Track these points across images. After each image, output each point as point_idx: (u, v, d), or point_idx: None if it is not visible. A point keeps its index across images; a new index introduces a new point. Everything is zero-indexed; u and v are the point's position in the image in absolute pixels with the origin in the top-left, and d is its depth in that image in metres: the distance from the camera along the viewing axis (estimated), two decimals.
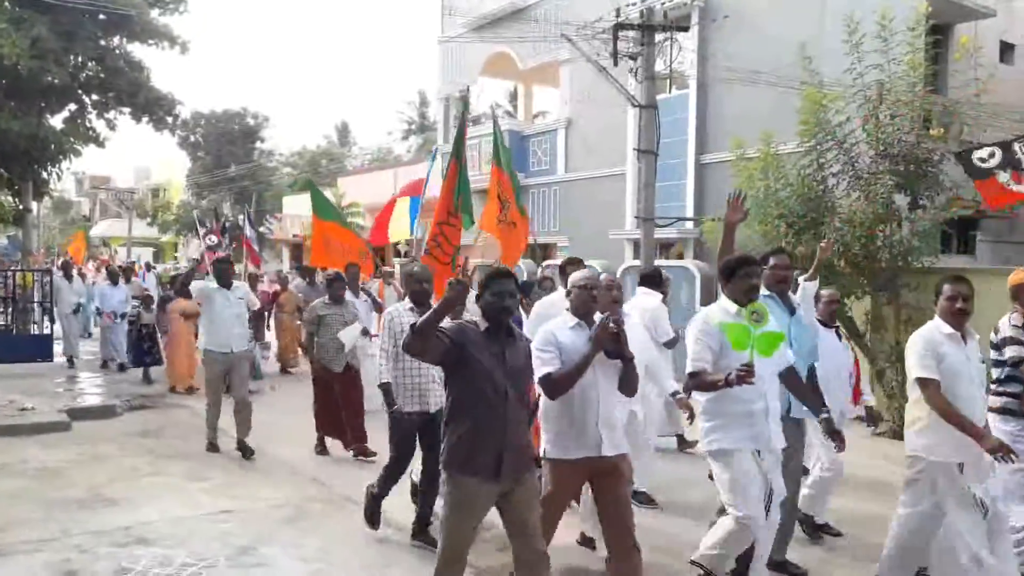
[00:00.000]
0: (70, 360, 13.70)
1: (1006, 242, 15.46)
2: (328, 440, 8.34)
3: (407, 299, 5.91)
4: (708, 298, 13.10)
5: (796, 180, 9.95)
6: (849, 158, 9.83)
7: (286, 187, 42.38)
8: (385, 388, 5.50)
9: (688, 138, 15.32)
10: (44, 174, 18.69)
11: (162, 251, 46.35)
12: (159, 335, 12.45)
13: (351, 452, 8.00)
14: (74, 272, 15.34)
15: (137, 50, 18.64)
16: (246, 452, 7.92)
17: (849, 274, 9.65)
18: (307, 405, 8.47)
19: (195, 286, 8.19)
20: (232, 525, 5.89)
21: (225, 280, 8.03)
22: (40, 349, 12.92)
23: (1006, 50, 16.35)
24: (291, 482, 7.12)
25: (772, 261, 4.99)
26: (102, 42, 17.85)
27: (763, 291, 4.68)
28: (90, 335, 17.22)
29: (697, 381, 4.27)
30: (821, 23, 12.39)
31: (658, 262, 12.66)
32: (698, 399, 4.53)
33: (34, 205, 21.02)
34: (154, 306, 12.60)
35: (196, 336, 10.50)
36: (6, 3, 16.08)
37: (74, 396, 10.62)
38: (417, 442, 5.60)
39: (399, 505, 6.34)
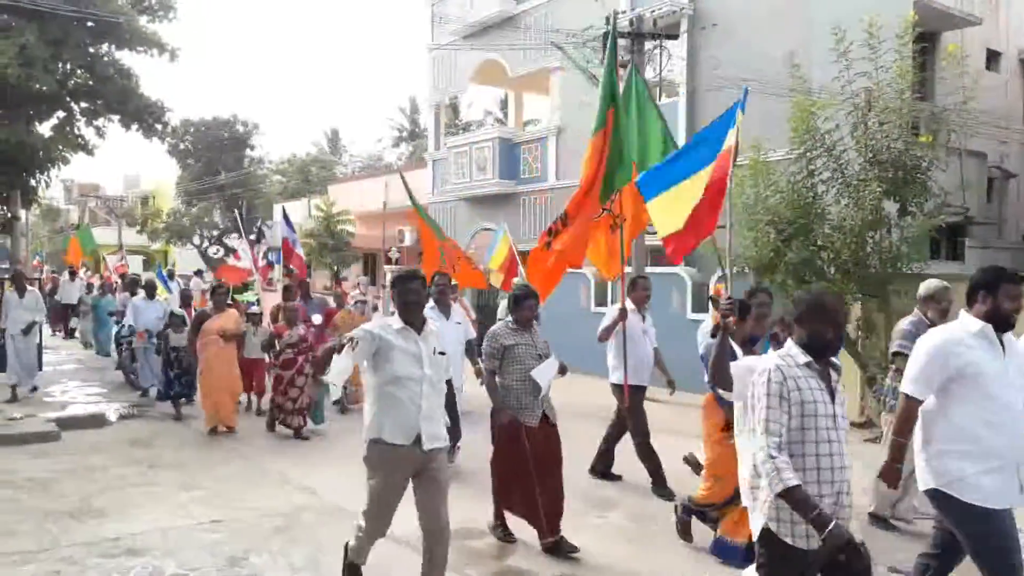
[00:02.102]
0: (13, 391, 10.82)
1: (995, 248, 15.58)
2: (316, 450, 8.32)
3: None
4: (699, 305, 13.24)
5: (786, 187, 10.02)
6: (838, 165, 9.90)
7: (276, 194, 42.31)
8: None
9: (680, 145, 15.34)
10: (32, 182, 18.59)
11: (151, 259, 46.15)
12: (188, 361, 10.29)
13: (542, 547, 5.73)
14: (64, 279, 15.04)
15: (126, 57, 18.58)
16: None
17: (839, 280, 9.70)
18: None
19: (365, 331, 4.39)
20: (222, 535, 5.86)
21: (413, 315, 4.45)
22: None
23: (992, 58, 16.50)
24: (282, 491, 7.09)
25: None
26: (91, 49, 17.78)
27: None
28: (108, 355, 15.01)
29: None
30: (809, 31, 12.46)
31: (649, 269, 12.68)
32: None
33: (23, 213, 20.87)
34: (185, 325, 10.31)
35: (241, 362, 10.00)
36: None
37: (64, 405, 10.54)
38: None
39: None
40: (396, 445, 4.34)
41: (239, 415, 9.91)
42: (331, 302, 12.60)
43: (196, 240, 40.51)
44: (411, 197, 10.04)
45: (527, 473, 5.59)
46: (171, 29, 38.97)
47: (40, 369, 12.53)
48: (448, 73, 22.03)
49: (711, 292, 7.63)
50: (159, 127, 19.32)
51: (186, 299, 11.45)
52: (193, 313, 10.64)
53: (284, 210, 16.17)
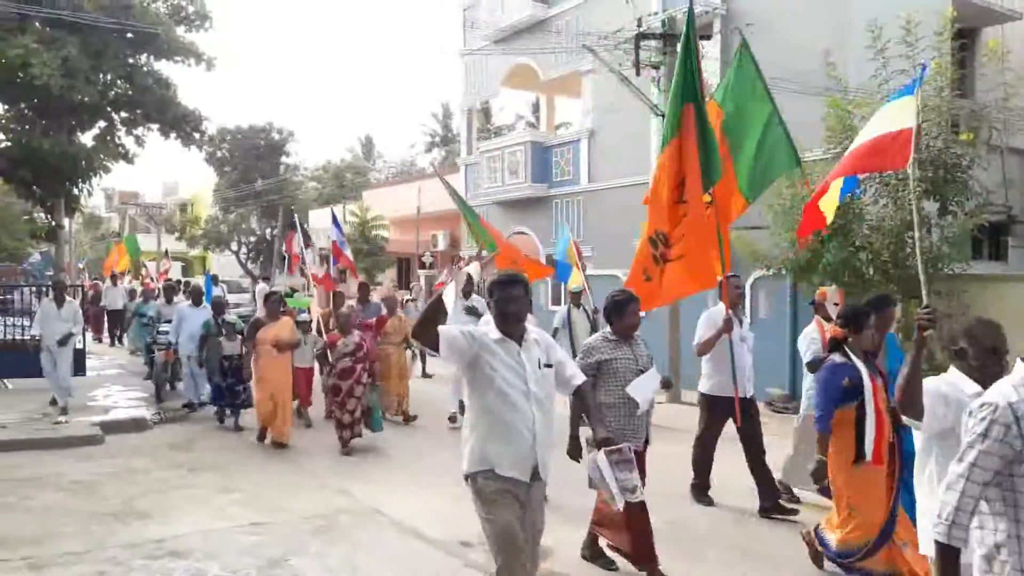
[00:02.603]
0: (53, 403, 10.49)
1: None
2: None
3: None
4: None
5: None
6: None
7: (311, 201, 42.74)
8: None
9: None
10: (75, 191, 19.03)
11: (190, 265, 46.88)
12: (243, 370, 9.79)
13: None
14: (105, 286, 15.04)
15: (164, 67, 19.01)
16: None
17: (878, 281, 9.55)
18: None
19: (462, 331, 3.78)
20: (262, 537, 5.93)
21: (513, 326, 3.80)
22: (74, 363, 13.07)
23: None
24: (319, 494, 7.16)
25: None
26: (130, 60, 18.18)
27: None
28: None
29: None
30: (845, 29, 12.30)
31: None
32: None
33: (66, 221, 21.39)
34: (238, 333, 10.06)
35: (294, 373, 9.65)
36: (37, 23, 16.41)
37: (106, 410, 10.75)
38: None
39: (425, 516, 6.37)
40: (513, 479, 3.69)
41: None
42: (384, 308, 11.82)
43: (234, 246, 41.08)
44: (458, 200, 9.75)
45: (644, 512, 4.97)
46: (207, 39, 39.64)
47: (84, 374, 12.80)
48: (480, 78, 22.12)
49: (815, 296, 6.99)
50: (197, 135, 19.70)
51: (219, 308, 10.70)
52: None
53: (333, 212, 15.69)
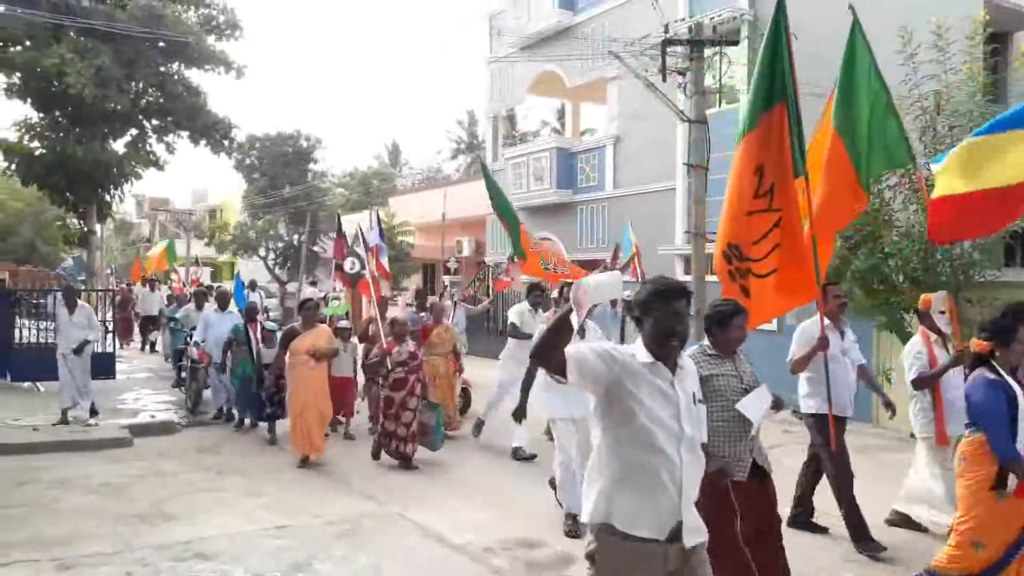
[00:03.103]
0: (64, 415, 10.01)
1: None
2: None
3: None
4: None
5: None
6: (906, 170, 9.63)
7: (339, 207, 43.05)
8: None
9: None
10: (107, 197, 19.29)
11: (219, 271, 47.42)
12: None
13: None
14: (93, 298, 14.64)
15: (194, 76, 19.22)
16: None
17: (909, 289, 9.42)
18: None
19: (603, 348, 3.14)
20: (287, 541, 5.97)
21: (672, 348, 3.17)
22: (103, 367, 13.26)
23: None
24: (344, 498, 7.19)
25: None
26: (161, 69, 18.43)
27: None
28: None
29: None
30: (874, 33, 12.13)
31: (711, 278, 12.51)
32: None
33: (98, 227, 21.69)
34: (273, 341, 9.64)
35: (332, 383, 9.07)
36: (71, 33, 16.71)
37: (135, 413, 10.89)
38: None
39: (450, 522, 6.37)
40: (645, 540, 2.96)
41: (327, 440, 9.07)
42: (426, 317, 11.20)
43: (262, 252, 41.48)
44: (501, 201, 9.10)
45: (736, 547, 4.09)
46: (237, 47, 40.06)
47: (113, 377, 12.97)
48: (506, 85, 22.18)
49: (918, 304, 6.54)
50: (226, 143, 19.90)
51: (251, 313, 10.36)
52: (259, 329, 10.01)
53: (377, 214, 15.22)
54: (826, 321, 5.79)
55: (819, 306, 5.68)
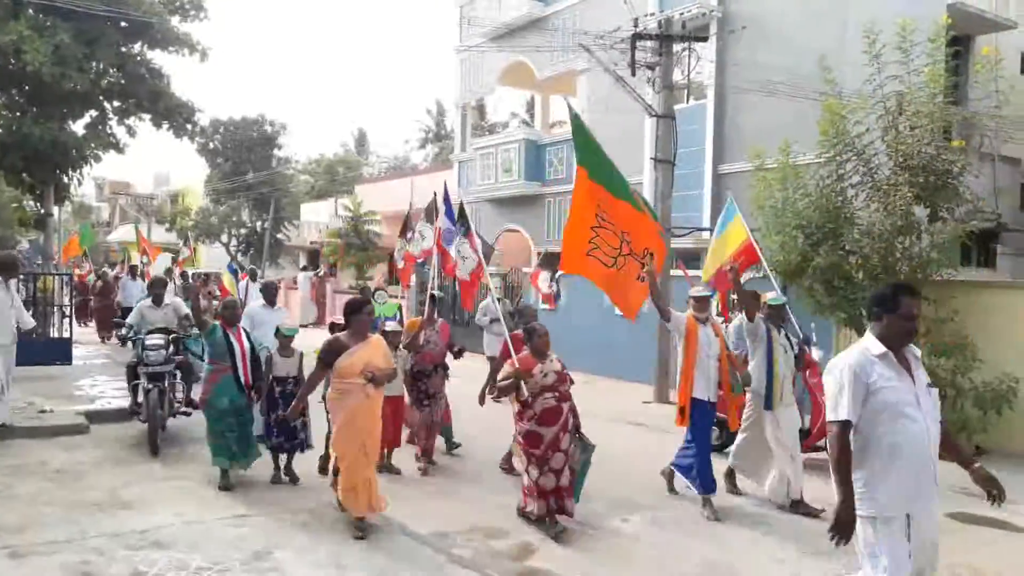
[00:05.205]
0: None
1: None
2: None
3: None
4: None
5: (815, 190, 9.92)
6: (868, 169, 9.78)
7: (303, 194, 42.66)
8: None
9: (705, 148, 15.31)
10: (65, 179, 18.93)
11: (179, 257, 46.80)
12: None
13: None
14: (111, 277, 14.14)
15: (158, 57, 18.91)
16: None
17: (867, 286, 9.59)
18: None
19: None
20: (247, 530, 5.91)
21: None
22: (59, 352, 13.03)
23: None
24: (305, 488, 7.13)
25: None
26: (123, 49, 18.08)
27: None
28: None
29: None
30: (841, 34, 12.34)
31: (674, 272, 12.62)
32: None
33: (55, 210, 21.25)
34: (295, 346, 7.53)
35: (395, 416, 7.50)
36: (30, 10, 16.30)
37: (92, 399, 10.68)
38: None
39: (411, 512, 6.36)
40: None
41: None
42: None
43: (224, 238, 40.96)
44: (587, 151, 6.74)
45: None
46: (201, 29, 39.46)
47: (70, 363, 12.71)
48: (475, 75, 22.11)
49: None
50: (189, 126, 19.61)
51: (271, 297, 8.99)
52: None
53: (446, 186, 10.18)
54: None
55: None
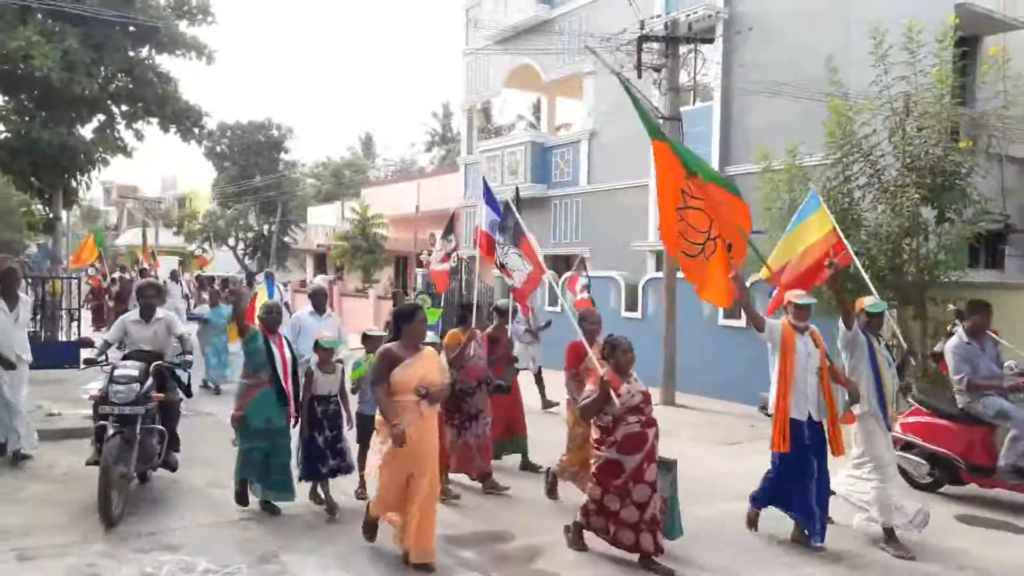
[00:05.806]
0: (2, 449, 7.66)
1: None
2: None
3: None
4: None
5: (821, 192, 9.90)
6: (875, 170, 9.77)
7: (310, 198, 42.76)
8: None
9: (712, 150, 15.28)
10: (74, 183, 19.00)
11: (188, 260, 46.88)
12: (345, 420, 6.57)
13: None
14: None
15: (165, 61, 19.02)
16: None
17: (875, 288, 9.56)
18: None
19: None
20: (254, 532, 5.92)
21: None
22: (68, 355, 13.06)
23: None
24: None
25: None
26: (131, 54, 18.15)
27: None
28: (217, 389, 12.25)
29: None
30: (847, 35, 12.31)
31: (682, 275, 12.58)
32: None
33: (64, 214, 21.33)
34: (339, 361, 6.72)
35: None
36: (38, 15, 16.38)
37: None
38: None
39: None
40: None
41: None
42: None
43: (231, 242, 41.07)
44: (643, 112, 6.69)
45: None
46: (209, 33, 39.58)
47: (79, 367, 12.65)
48: (482, 77, 22.13)
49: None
50: (196, 130, 19.67)
51: (320, 301, 8.41)
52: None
53: (485, 182, 9.00)
54: None
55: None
